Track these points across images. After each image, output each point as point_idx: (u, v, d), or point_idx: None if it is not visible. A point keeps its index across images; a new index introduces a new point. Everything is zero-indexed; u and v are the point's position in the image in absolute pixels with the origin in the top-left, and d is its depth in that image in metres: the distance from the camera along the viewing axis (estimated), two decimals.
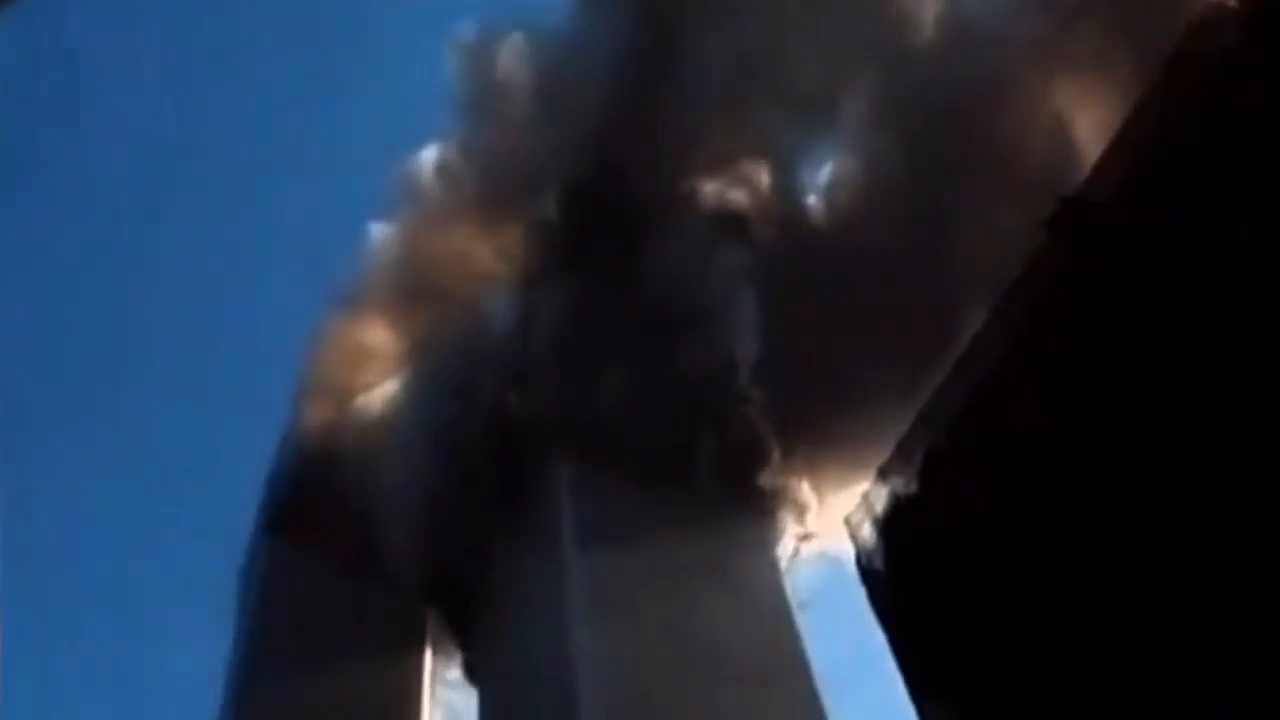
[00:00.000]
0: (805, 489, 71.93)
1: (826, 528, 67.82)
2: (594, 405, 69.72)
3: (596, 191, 79.08)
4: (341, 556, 79.68)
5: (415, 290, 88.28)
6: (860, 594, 43.42)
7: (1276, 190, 27.75)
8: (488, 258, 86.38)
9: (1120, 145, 32.78)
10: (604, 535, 66.29)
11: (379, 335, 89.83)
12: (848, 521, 43.66)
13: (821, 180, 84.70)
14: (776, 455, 70.72)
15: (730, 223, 78.94)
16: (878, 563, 41.60)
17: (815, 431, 72.33)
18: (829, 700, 59.19)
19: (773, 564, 70.20)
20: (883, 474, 41.54)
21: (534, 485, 71.18)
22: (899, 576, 41.08)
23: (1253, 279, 29.23)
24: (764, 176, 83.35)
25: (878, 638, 42.35)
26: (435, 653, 79.70)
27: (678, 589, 64.60)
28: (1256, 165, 28.71)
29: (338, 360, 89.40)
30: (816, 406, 71.82)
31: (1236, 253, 29.21)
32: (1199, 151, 30.41)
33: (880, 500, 41.40)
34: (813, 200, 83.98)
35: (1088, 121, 55.48)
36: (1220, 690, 28.58)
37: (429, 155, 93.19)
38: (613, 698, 57.72)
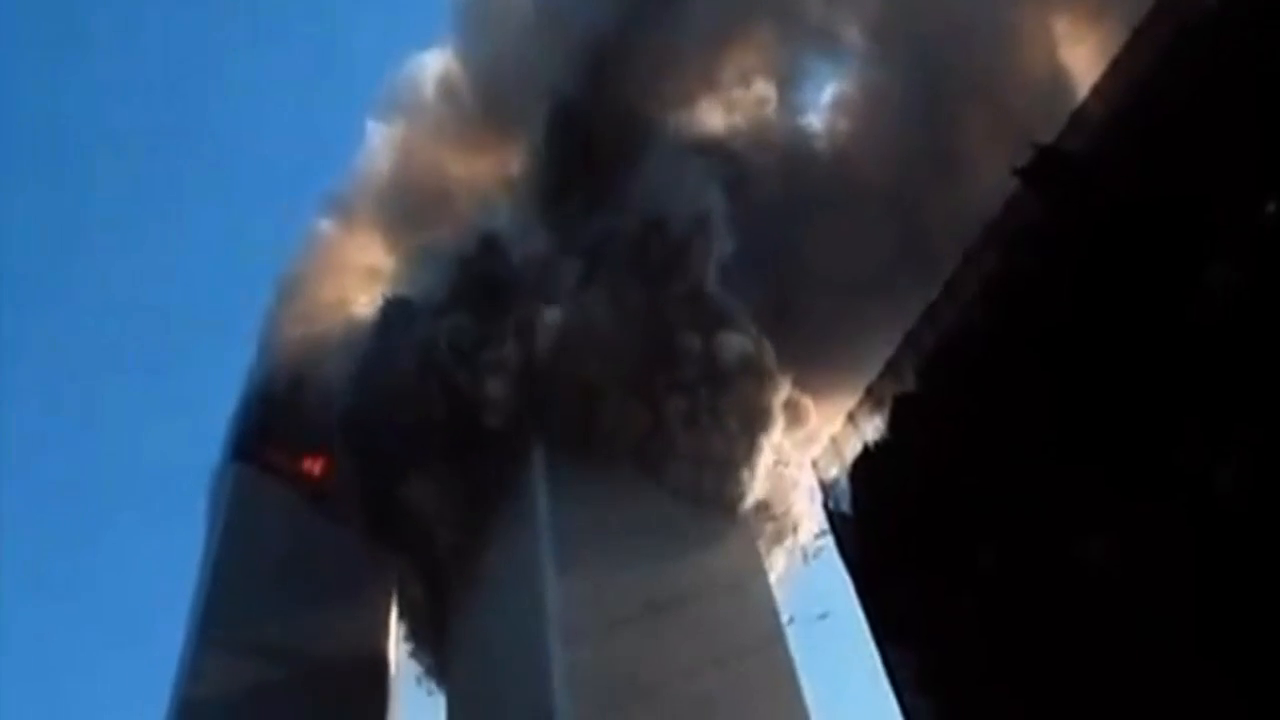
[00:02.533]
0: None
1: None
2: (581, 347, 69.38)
3: (589, 112, 78.36)
4: (311, 487, 78.83)
5: (403, 206, 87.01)
6: None
7: (1250, 145, 27.21)
8: (478, 175, 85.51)
9: (1098, 96, 32.14)
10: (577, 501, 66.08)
11: (363, 250, 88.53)
12: (815, 465, 43.48)
13: (818, 108, 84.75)
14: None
15: (720, 148, 78.45)
16: (845, 506, 41.43)
17: (799, 367, 72.35)
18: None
19: (751, 545, 70.31)
20: (852, 418, 41.21)
21: (509, 456, 69.83)
22: (866, 521, 40.81)
23: (1224, 234, 28.76)
24: (762, 103, 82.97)
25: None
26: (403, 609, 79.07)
27: (651, 556, 64.39)
28: (1232, 120, 28.12)
29: (319, 273, 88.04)
30: (802, 340, 71.73)
31: (1209, 207, 28.69)
32: (1175, 105, 29.80)
33: (849, 444, 41.09)
34: (808, 126, 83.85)
35: (1082, 64, 54.84)
36: (1196, 643, 28.13)
37: (425, 64, 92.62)
38: (584, 660, 57.87)
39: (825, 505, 42.79)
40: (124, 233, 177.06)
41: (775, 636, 64.40)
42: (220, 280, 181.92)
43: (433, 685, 76.64)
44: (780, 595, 70.25)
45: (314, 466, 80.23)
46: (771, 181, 76.93)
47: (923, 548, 37.50)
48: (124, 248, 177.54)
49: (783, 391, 71.91)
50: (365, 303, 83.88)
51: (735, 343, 71.60)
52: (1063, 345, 32.88)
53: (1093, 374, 31.79)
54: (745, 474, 69.95)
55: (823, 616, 68.44)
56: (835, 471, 41.68)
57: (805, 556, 73.40)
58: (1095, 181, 31.10)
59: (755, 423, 70.90)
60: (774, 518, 73.33)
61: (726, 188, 74.90)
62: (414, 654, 78.65)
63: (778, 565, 73.70)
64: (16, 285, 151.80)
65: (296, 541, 76.23)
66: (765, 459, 71.27)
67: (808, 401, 72.96)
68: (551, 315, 71.05)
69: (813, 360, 71.73)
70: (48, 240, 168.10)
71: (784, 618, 66.72)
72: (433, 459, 70.60)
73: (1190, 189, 28.40)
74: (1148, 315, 30.33)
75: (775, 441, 71.68)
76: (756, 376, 71.07)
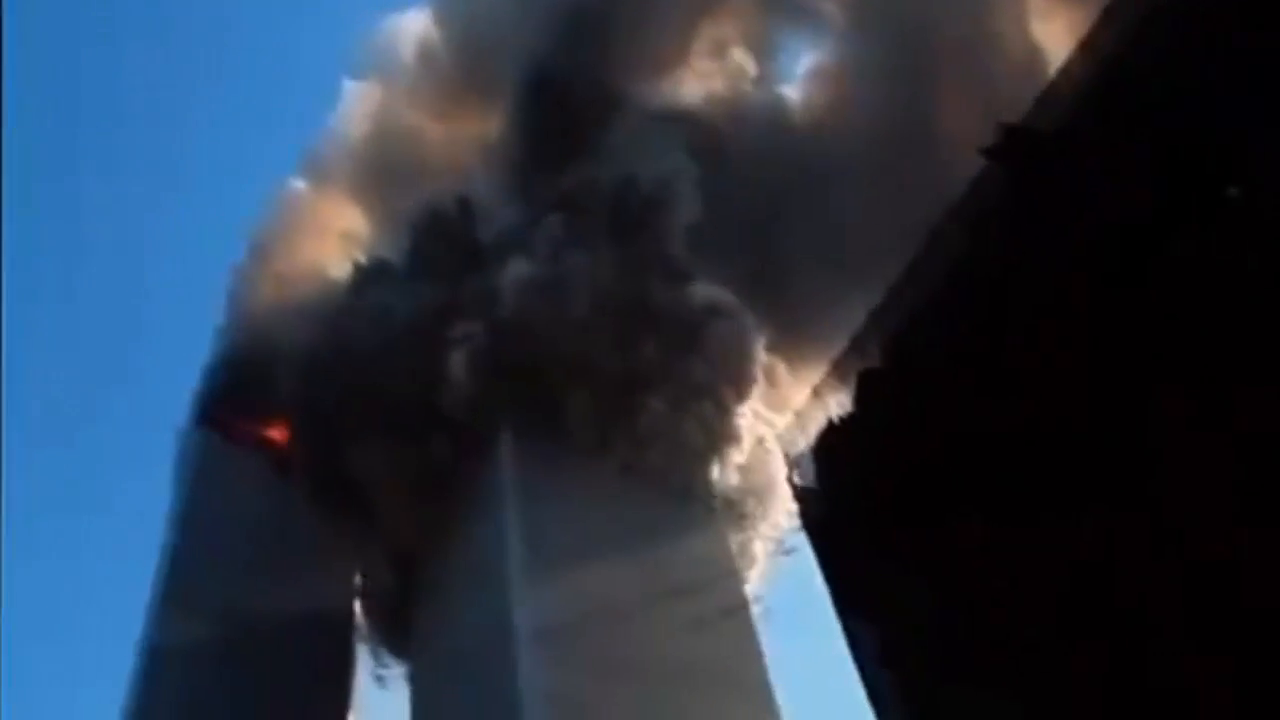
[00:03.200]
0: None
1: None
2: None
3: (566, 79, 77.95)
4: (275, 455, 78.30)
5: (378, 168, 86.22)
6: None
7: (1215, 128, 27.30)
8: (455, 139, 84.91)
9: (1067, 76, 32.16)
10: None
11: (339, 212, 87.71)
12: (781, 438, 43.61)
13: (795, 79, 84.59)
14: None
15: (695, 117, 78.16)
16: (809, 480, 41.58)
17: (776, 338, 72.16)
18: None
19: (725, 540, 69.46)
20: (817, 392, 41.30)
21: (474, 440, 68.08)
22: (829, 494, 40.97)
23: (1192, 215, 28.82)
24: (739, 73, 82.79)
25: None
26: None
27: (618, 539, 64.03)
28: (1198, 102, 28.19)
29: (293, 235, 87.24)
30: (779, 311, 71.52)
31: (1177, 190, 28.76)
32: (1143, 85, 29.87)
33: (815, 418, 41.18)
34: (786, 97, 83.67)
35: (1055, 41, 54.81)
36: (1162, 622, 28.31)
37: (404, 25, 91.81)
38: (546, 630, 57.56)
39: (789, 478, 42.94)
40: (105, 179, 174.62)
41: (748, 636, 63.87)
42: (196, 237, 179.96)
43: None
44: (758, 585, 70.01)
45: (277, 434, 79.56)
46: (748, 151, 76.75)
47: (886, 523, 37.66)
48: (104, 197, 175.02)
49: (759, 348, 71.00)
50: (339, 266, 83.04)
51: (709, 293, 70.75)
52: (1028, 325, 32.97)
53: (1058, 354, 31.88)
54: (722, 455, 69.18)
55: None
56: (800, 445, 41.80)
57: (781, 548, 72.51)
58: (1062, 162, 31.14)
59: (734, 382, 70.15)
60: (751, 508, 72.32)
61: (701, 156, 74.47)
62: (373, 644, 77.73)
63: (757, 555, 72.90)
64: None
65: (263, 507, 75.76)
66: (746, 432, 70.55)
67: (783, 372, 72.59)
68: (518, 268, 70.18)
69: (789, 332, 71.57)
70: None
71: (756, 609, 66.23)
72: (390, 439, 69.06)
73: (1155, 171, 28.44)
74: (1114, 295, 30.42)
75: (750, 424, 70.85)
76: (731, 326, 70.10)
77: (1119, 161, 30.14)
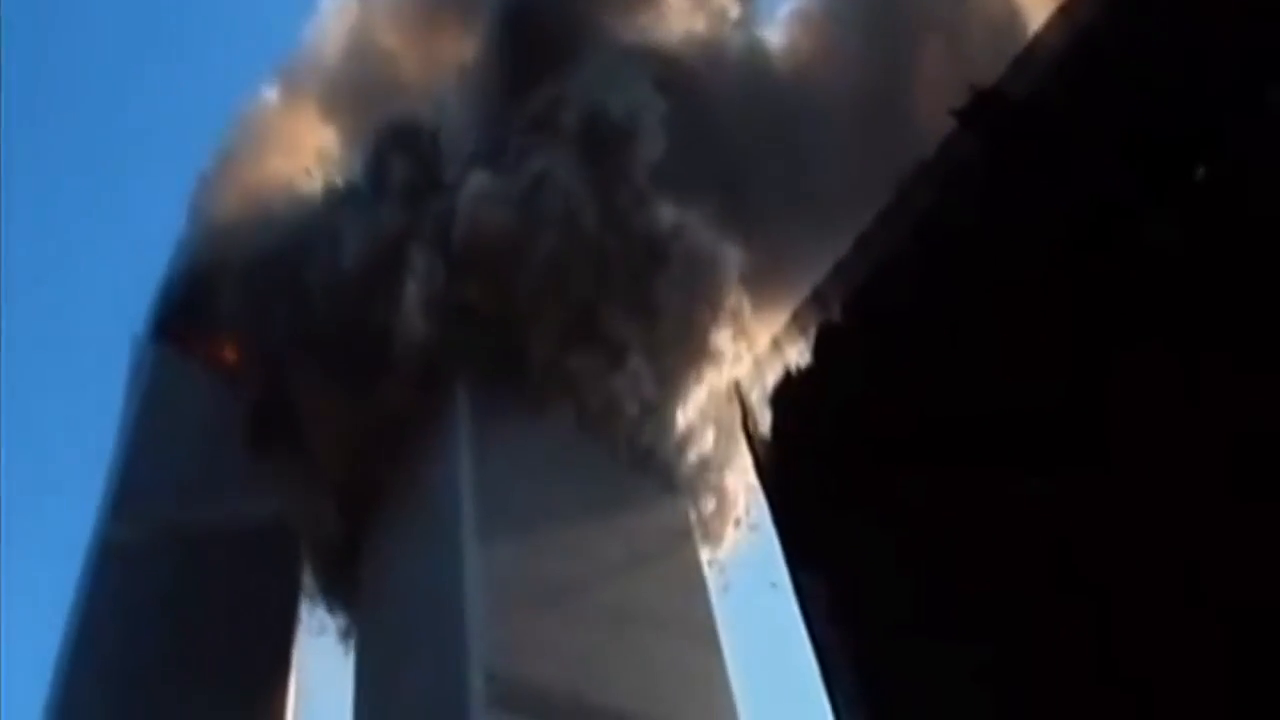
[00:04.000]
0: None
1: None
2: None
3: (540, 9, 77.02)
4: (230, 371, 77.61)
5: (352, 87, 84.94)
6: None
7: (1182, 103, 27.17)
8: (430, 62, 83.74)
9: (1041, 41, 31.91)
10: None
11: (311, 128, 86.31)
12: (738, 388, 43.45)
13: (776, 22, 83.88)
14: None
15: (671, 55, 77.41)
16: (765, 431, 41.50)
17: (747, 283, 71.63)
18: None
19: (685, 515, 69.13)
20: (777, 342, 41.16)
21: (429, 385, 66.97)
22: (784, 446, 40.90)
23: (1159, 192, 28.73)
24: (720, 13, 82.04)
25: None
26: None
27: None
28: (1168, 75, 28.01)
29: (262, 148, 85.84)
30: (750, 255, 70.91)
31: (1145, 166, 28.62)
32: (1116, 55, 29.66)
33: (774, 367, 41.06)
34: (766, 40, 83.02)
35: (1039, 4, 54.35)
36: (1109, 572, 28.36)
37: None
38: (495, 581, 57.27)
39: (745, 428, 42.84)
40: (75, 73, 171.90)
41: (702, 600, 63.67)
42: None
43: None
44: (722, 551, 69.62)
45: (229, 353, 78.71)
46: (723, 92, 76.07)
47: (840, 477, 37.68)
48: (73, 91, 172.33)
49: (731, 279, 69.96)
50: (306, 184, 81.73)
51: (676, 215, 69.86)
52: (990, 287, 32.87)
53: (1018, 319, 31.82)
54: (682, 416, 68.25)
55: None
56: (757, 395, 41.71)
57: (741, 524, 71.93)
58: (1031, 129, 30.95)
59: (706, 301, 69.11)
60: (713, 479, 71.61)
61: (672, 93, 73.64)
62: (320, 595, 76.86)
63: (721, 532, 72.53)
64: None
65: (217, 423, 75.11)
66: (717, 364, 69.63)
67: (749, 317, 71.83)
68: (479, 180, 68.95)
69: (756, 278, 70.97)
70: None
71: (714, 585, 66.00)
72: (336, 380, 67.58)
73: (1124, 144, 28.31)
74: (1078, 263, 30.34)
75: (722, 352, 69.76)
76: (702, 240, 69.23)
77: (1087, 133, 29.97)
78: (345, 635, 73.98)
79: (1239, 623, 24.65)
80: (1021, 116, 31.47)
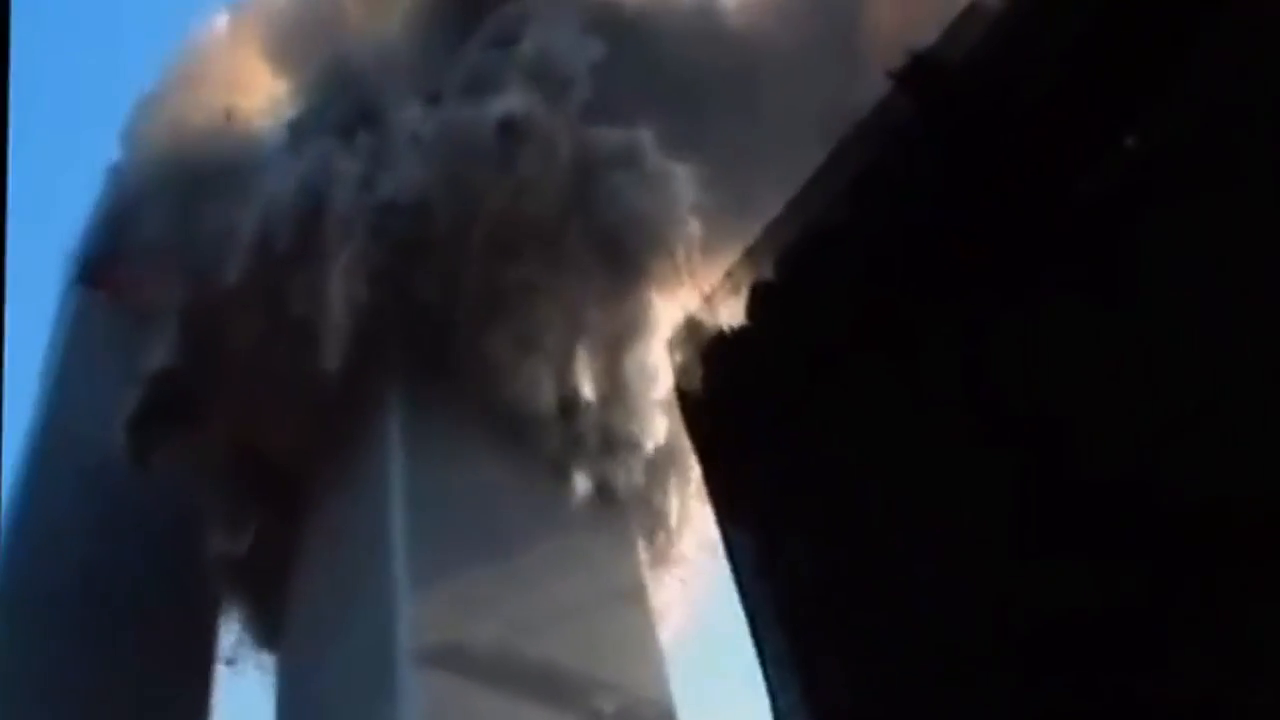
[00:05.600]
0: None
1: None
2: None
3: None
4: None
5: (298, 24, 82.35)
6: None
7: (1115, 75, 27.30)
8: (379, 11, 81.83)
9: (978, 8, 31.85)
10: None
11: (252, 68, 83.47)
12: (670, 343, 43.38)
13: None
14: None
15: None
16: (696, 387, 41.49)
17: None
18: None
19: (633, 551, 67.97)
20: (709, 300, 41.10)
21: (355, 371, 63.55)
22: (715, 403, 40.92)
23: (1092, 150, 28.85)
24: None
25: None
26: None
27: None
28: (1102, 46, 28.12)
29: (201, 86, 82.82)
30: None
31: (1072, 135, 28.77)
32: (1051, 23, 29.77)
33: (705, 325, 41.00)
34: None
35: None
36: (1051, 541, 28.49)
37: None
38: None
39: (677, 385, 42.82)
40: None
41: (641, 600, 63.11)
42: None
43: None
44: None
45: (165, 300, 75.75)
46: (673, 44, 74.86)
47: (771, 435, 37.80)
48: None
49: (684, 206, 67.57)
50: (243, 125, 78.86)
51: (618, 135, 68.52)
52: (924, 251, 32.95)
53: (955, 283, 31.95)
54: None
55: None
56: (689, 353, 41.63)
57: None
58: (968, 92, 30.98)
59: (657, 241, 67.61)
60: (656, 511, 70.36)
61: (612, 35, 72.60)
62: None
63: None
64: None
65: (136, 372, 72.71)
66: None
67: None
68: (413, 113, 66.93)
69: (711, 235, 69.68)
70: None
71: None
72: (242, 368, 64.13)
73: (1056, 113, 28.41)
74: (1013, 227, 30.45)
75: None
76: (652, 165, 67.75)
77: (1019, 100, 30.05)
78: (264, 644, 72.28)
79: None
80: (954, 82, 31.46)
